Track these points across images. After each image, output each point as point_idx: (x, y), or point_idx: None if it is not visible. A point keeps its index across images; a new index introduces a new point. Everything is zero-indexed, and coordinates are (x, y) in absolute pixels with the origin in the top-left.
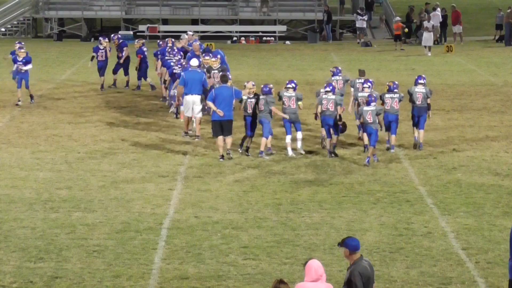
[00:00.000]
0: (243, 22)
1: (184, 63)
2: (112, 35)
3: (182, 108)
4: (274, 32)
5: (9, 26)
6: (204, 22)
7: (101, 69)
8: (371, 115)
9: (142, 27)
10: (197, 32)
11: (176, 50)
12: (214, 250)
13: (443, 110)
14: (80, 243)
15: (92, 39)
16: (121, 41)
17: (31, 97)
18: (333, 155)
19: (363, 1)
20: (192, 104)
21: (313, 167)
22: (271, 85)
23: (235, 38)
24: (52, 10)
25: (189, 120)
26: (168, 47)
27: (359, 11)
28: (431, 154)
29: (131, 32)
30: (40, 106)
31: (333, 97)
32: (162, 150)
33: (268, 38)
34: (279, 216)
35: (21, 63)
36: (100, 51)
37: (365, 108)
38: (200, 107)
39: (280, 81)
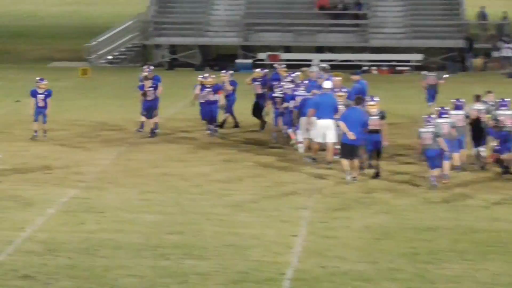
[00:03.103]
0: (374, 50)
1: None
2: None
3: (299, 131)
4: (409, 61)
5: (116, 53)
6: (331, 50)
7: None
8: None
9: (261, 55)
10: (323, 61)
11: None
12: None
13: None
14: None
15: (208, 69)
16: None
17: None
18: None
19: (509, 27)
20: (325, 129)
21: (454, 211)
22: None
23: (365, 68)
24: (163, 36)
25: (316, 147)
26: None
27: (504, 38)
28: None
29: (250, 61)
30: (149, 142)
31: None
32: (284, 192)
33: (402, 68)
34: (415, 267)
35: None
36: (205, 89)
37: None
38: (334, 132)
39: (415, 116)
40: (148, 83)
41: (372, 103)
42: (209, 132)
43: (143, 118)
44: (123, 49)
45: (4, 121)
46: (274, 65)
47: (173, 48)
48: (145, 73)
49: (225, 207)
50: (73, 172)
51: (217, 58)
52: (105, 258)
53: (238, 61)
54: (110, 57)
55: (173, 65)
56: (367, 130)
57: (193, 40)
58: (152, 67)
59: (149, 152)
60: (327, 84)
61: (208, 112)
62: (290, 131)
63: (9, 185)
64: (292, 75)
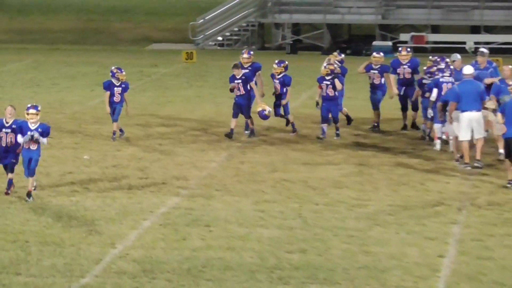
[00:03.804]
0: None
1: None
2: None
3: (436, 126)
4: None
5: (227, 33)
6: (488, 30)
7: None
8: None
9: (403, 36)
10: (479, 43)
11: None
12: None
13: None
14: None
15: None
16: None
17: (120, 130)
18: None
19: None
20: (474, 123)
21: None
22: None
23: None
24: (285, 13)
25: (465, 146)
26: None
27: None
28: None
29: (390, 43)
30: (265, 142)
31: None
32: (429, 202)
33: None
34: None
35: None
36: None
37: None
38: (483, 126)
39: None
40: (239, 73)
41: None
42: (320, 136)
43: (233, 123)
44: (236, 29)
45: (96, 114)
46: (400, 48)
47: (297, 28)
48: (245, 56)
49: (357, 221)
50: (174, 177)
51: (350, 40)
52: (212, 281)
53: (375, 43)
54: (220, 38)
55: (296, 48)
56: None
57: (321, 17)
58: (252, 52)
59: (265, 154)
60: (467, 70)
61: (325, 110)
62: (436, 126)
63: (97, 192)
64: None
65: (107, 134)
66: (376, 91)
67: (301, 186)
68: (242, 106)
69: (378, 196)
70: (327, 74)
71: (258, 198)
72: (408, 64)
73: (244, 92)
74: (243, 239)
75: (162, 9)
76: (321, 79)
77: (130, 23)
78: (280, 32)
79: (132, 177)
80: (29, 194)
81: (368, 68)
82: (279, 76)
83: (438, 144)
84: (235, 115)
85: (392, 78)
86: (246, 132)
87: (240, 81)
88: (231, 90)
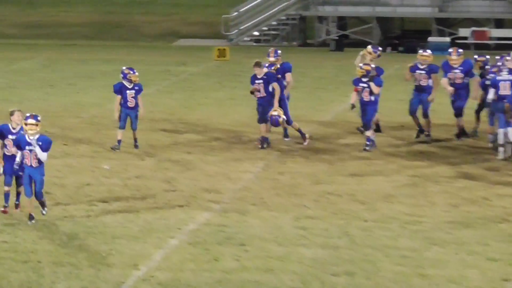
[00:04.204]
0: None
1: None
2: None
3: (502, 131)
4: None
5: (264, 28)
6: None
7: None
8: None
9: (463, 31)
10: None
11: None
12: None
13: None
14: None
15: (389, 49)
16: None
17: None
18: None
19: None
20: None
21: None
22: None
23: None
24: (329, 5)
25: None
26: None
27: None
28: None
29: (448, 39)
30: (307, 150)
31: None
32: (492, 218)
33: None
34: None
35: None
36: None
37: None
38: None
39: None
40: (261, 72)
41: None
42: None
43: (263, 128)
44: (274, 23)
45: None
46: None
47: (343, 22)
48: (271, 59)
49: (411, 240)
50: (205, 190)
51: (402, 36)
52: None
53: (431, 39)
54: (256, 33)
55: (342, 44)
56: None
57: (370, 10)
58: (279, 51)
59: (307, 163)
60: None
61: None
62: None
63: (119, 207)
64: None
65: (130, 140)
66: (421, 94)
67: (347, 200)
68: (266, 109)
69: (435, 211)
70: (363, 76)
71: (299, 213)
72: (460, 68)
73: (265, 94)
74: (282, 260)
75: (191, 0)
76: (357, 81)
77: (154, 15)
78: (324, 27)
79: (157, 189)
80: (31, 216)
81: (414, 69)
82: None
83: (502, 153)
84: (261, 120)
85: (445, 81)
86: (286, 139)
87: (261, 81)
88: (252, 93)
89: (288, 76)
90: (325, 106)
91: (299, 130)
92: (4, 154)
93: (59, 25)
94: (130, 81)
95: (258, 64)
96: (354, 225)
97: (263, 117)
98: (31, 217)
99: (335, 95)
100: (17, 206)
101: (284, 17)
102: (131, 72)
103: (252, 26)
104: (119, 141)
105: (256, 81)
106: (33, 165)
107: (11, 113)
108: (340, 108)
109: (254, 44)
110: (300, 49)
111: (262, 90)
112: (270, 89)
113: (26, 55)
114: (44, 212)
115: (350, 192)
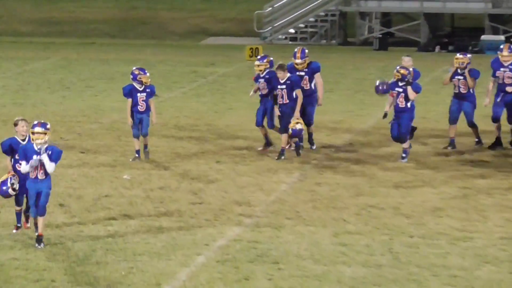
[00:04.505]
0: None
1: None
2: None
3: None
4: None
5: (301, 25)
6: None
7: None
8: None
9: None
10: None
11: None
12: None
13: None
14: None
15: (438, 49)
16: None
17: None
18: None
19: None
20: None
21: None
22: None
23: None
24: (372, 0)
25: None
26: None
27: None
28: None
29: (502, 37)
30: (347, 159)
31: None
32: None
33: None
34: None
35: None
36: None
37: None
38: None
39: None
40: (284, 76)
41: None
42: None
43: (285, 138)
44: (312, 19)
45: None
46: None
47: (387, 18)
48: (298, 61)
49: (462, 257)
50: (234, 202)
51: (453, 34)
52: None
53: (484, 37)
54: (292, 30)
55: (386, 43)
56: None
57: (417, 5)
58: (306, 51)
59: (347, 173)
60: None
61: (395, 127)
62: None
63: (140, 221)
64: None
65: (153, 148)
66: (462, 102)
67: (391, 214)
68: (289, 117)
69: (487, 227)
70: (399, 80)
71: (339, 228)
72: (511, 67)
73: (288, 100)
74: (320, 279)
75: None
76: (393, 85)
77: (181, 12)
78: (367, 24)
79: (183, 201)
80: (39, 239)
81: (454, 75)
82: (263, 74)
83: None
84: (284, 130)
85: (490, 86)
86: (312, 147)
87: (284, 86)
88: (275, 96)
89: (317, 76)
90: (366, 111)
91: (265, 135)
92: (16, 170)
93: (77, 22)
94: (141, 83)
95: (281, 67)
96: (399, 241)
97: (286, 127)
98: (39, 240)
99: (378, 99)
100: (27, 219)
101: (322, 13)
102: (142, 73)
103: (287, 23)
104: (137, 151)
105: (279, 86)
106: (39, 177)
107: (15, 124)
108: (383, 114)
109: (290, 42)
110: (340, 48)
111: (285, 96)
112: (294, 95)
113: (41, 54)
114: (39, 247)
115: (394, 205)
